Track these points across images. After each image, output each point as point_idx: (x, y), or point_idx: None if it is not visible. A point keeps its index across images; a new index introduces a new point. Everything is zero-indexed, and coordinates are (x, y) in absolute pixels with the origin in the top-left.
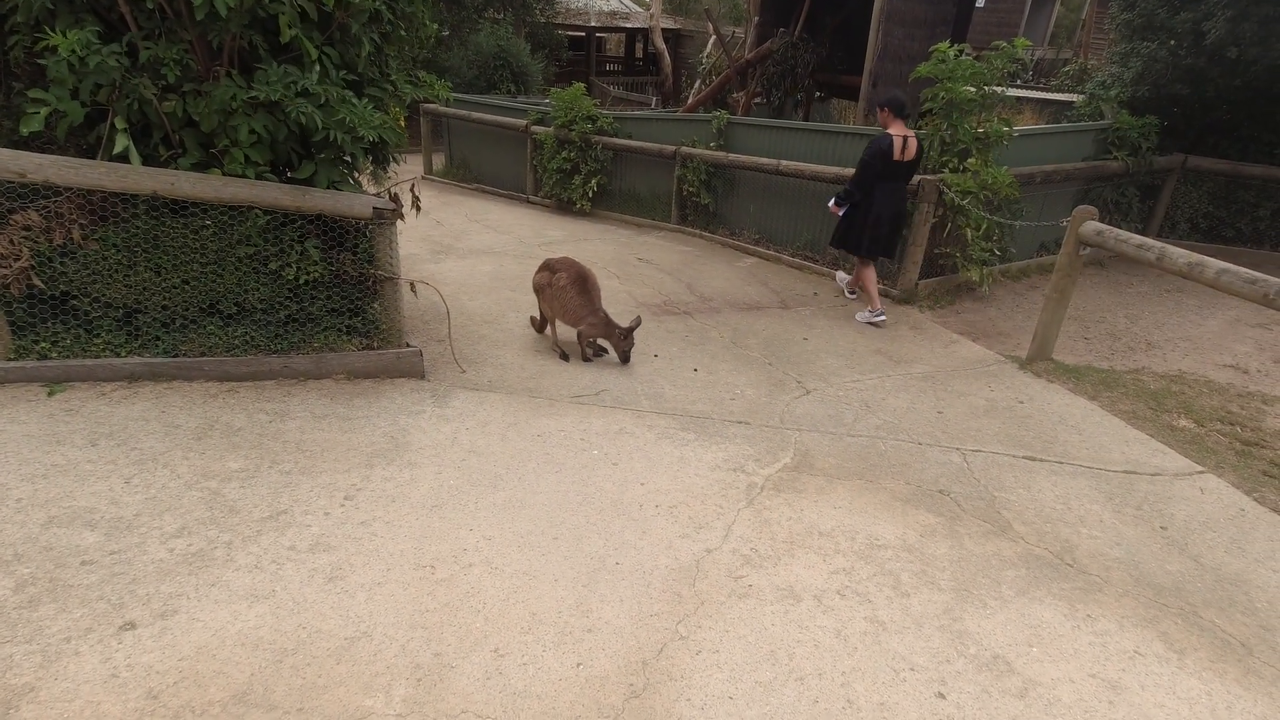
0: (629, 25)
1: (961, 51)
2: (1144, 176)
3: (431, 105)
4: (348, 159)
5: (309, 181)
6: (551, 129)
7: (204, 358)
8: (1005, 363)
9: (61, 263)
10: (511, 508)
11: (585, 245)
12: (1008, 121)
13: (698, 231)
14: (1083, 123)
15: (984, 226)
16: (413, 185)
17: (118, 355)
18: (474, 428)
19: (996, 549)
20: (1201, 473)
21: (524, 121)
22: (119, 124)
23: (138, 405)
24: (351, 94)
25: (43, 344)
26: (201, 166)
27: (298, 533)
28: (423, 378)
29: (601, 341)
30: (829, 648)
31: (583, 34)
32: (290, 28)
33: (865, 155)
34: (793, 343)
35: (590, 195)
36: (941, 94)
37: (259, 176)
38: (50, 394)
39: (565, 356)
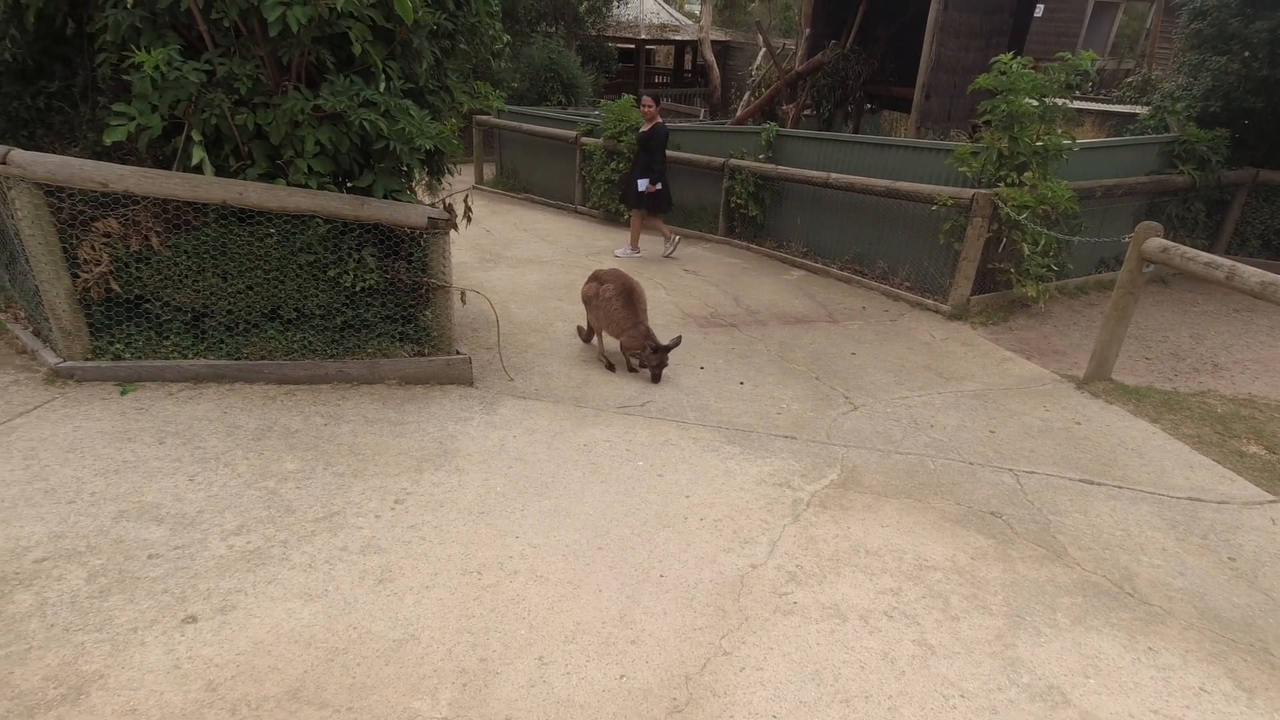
0: (678, 38)
1: (1027, 63)
2: (1212, 191)
3: (484, 116)
4: (405, 169)
5: (368, 191)
6: (600, 140)
7: (264, 361)
8: (1061, 382)
9: (137, 268)
10: (557, 516)
11: (631, 255)
12: (1069, 135)
13: (744, 244)
14: (1147, 135)
15: (1042, 242)
16: (465, 196)
17: (184, 357)
18: (521, 435)
19: (1051, 574)
20: (1273, 502)
21: (573, 132)
22: (195, 136)
23: (202, 405)
24: (411, 104)
25: (117, 345)
26: (268, 177)
27: (350, 534)
28: (471, 385)
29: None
30: (875, 670)
31: (632, 46)
32: (359, 42)
33: (659, 142)
34: (840, 357)
35: None
36: (1002, 106)
37: (321, 187)
38: (123, 393)
39: (611, 367)
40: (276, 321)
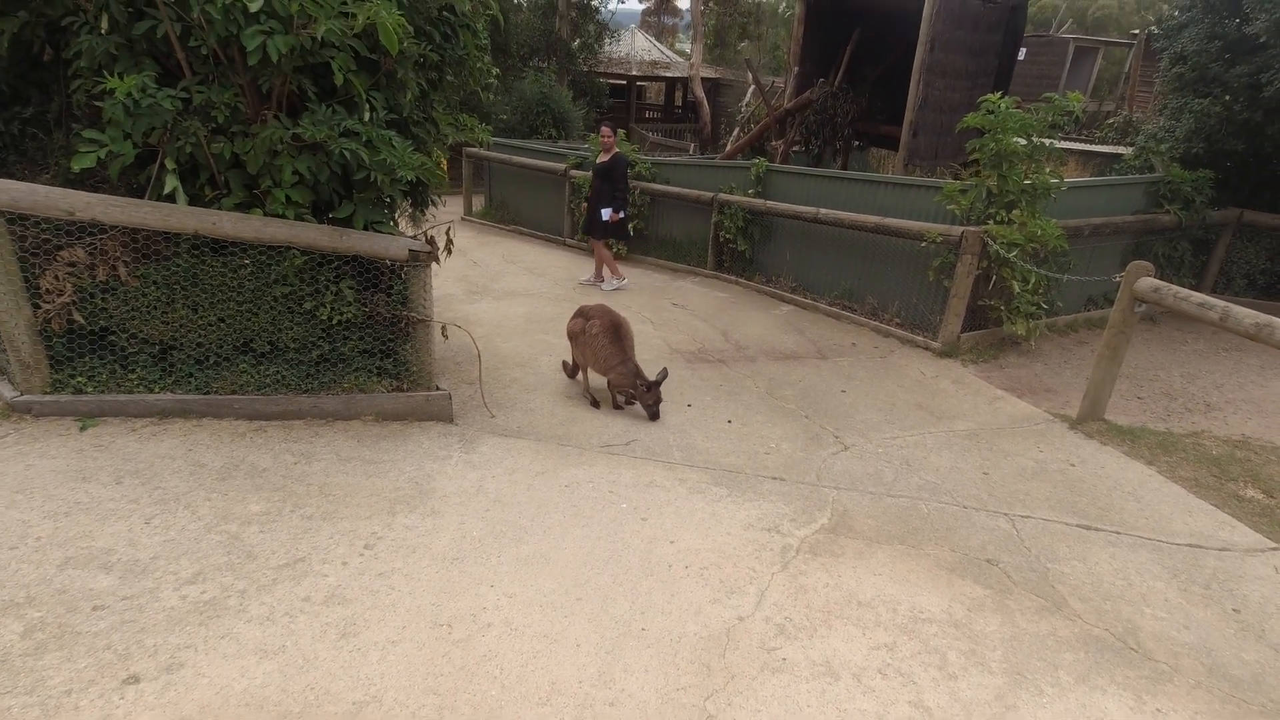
0: (669, 74)
1: (1013, 103)
2: (1197, 231)
3: (473, 149)
4: (388, 200)
5: (347, 222)
6: (589, 173)
7: (235, 395)
8: (1054, 421)
9: (102, 299)
10: (535, 563)
11: (620, 289)
12: (1057, 173)
13: (733, 278)
14: (1133, 175)
15: (1032, 280)
16: (448, 229)
17: (150, 391)
18: (500, 476)
19: (1052, 627)
20: (1274, 549)
21: (563, 165)
22: (169, 164)
23: (166, 442)
24: (394, 134)
25: (79, 378)
26: (244, 207)
27: (314, 583)
28: (451, 421)
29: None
30: None
31: (624, 82)
32: (342, 72)
33: (622, 170)
34: (830, 395)
35: (627, 239)
36: (990, 144)
37: (299, 217)
38: (83, 429)
39: (596, 404)
40: (249, 355)
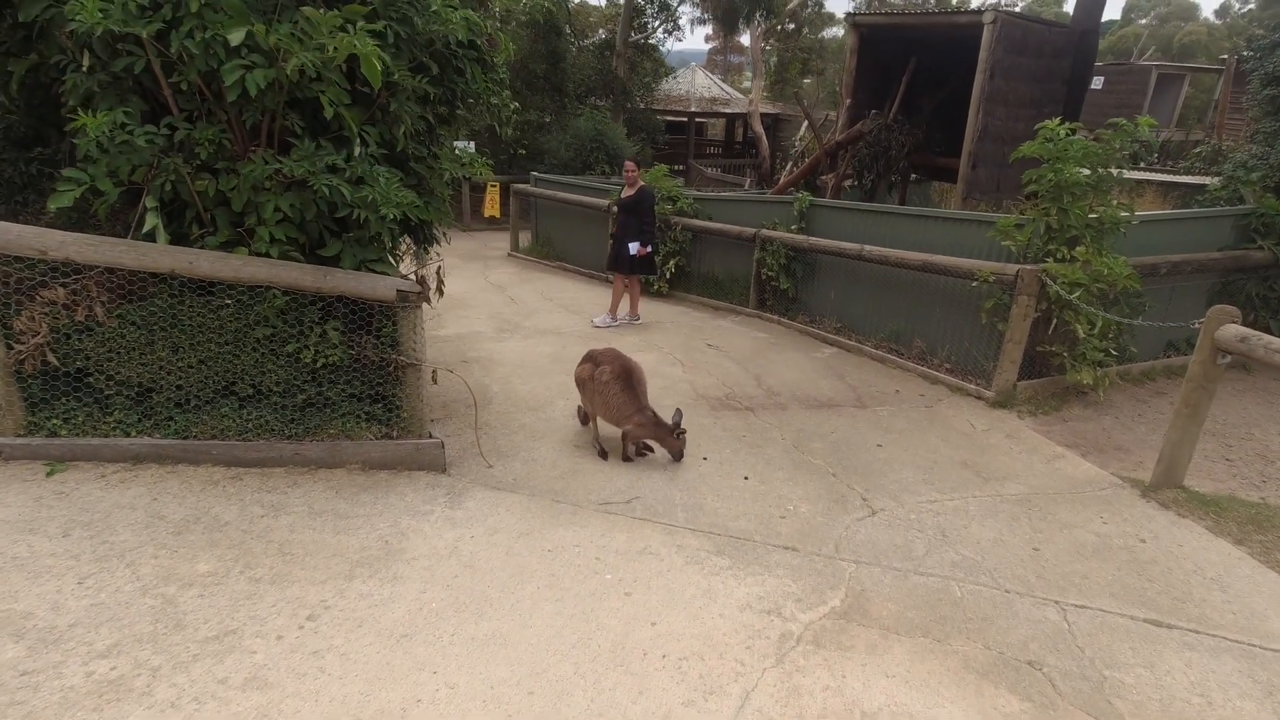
0: (728, 110)
1: (1074, 130)
2: None
3: (521, 185)
4: (380, 238)
5: (334, 260)
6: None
7: (213, 441)
8: (1123, 487)
9: (79, 339)
10: (492, 645)
11: (655, 328)
12: (1127, 206)
13: (775, 317)
14: (1219, 207)
15: (1099, 323)
16: (438, 269)
17: (127, 435)
18: (480, 536)
19: None
20: None
21: (607, 201)
22: (149, 202)
23: (131, 490)
24: (384, 169)
25: (55, 420)
26: (229, 245)
27: (237, 661)
28: (444, 471)
29: (648, 441)
30: None
31: (684, 119)
32: (332, 106)
33: (649, 203)
34: (864, 449)
35: (668, 276)
36: (1049, 175)
37: (285, 256)
38: (50, 474)
39: (604, 454)
40: (232, 398)
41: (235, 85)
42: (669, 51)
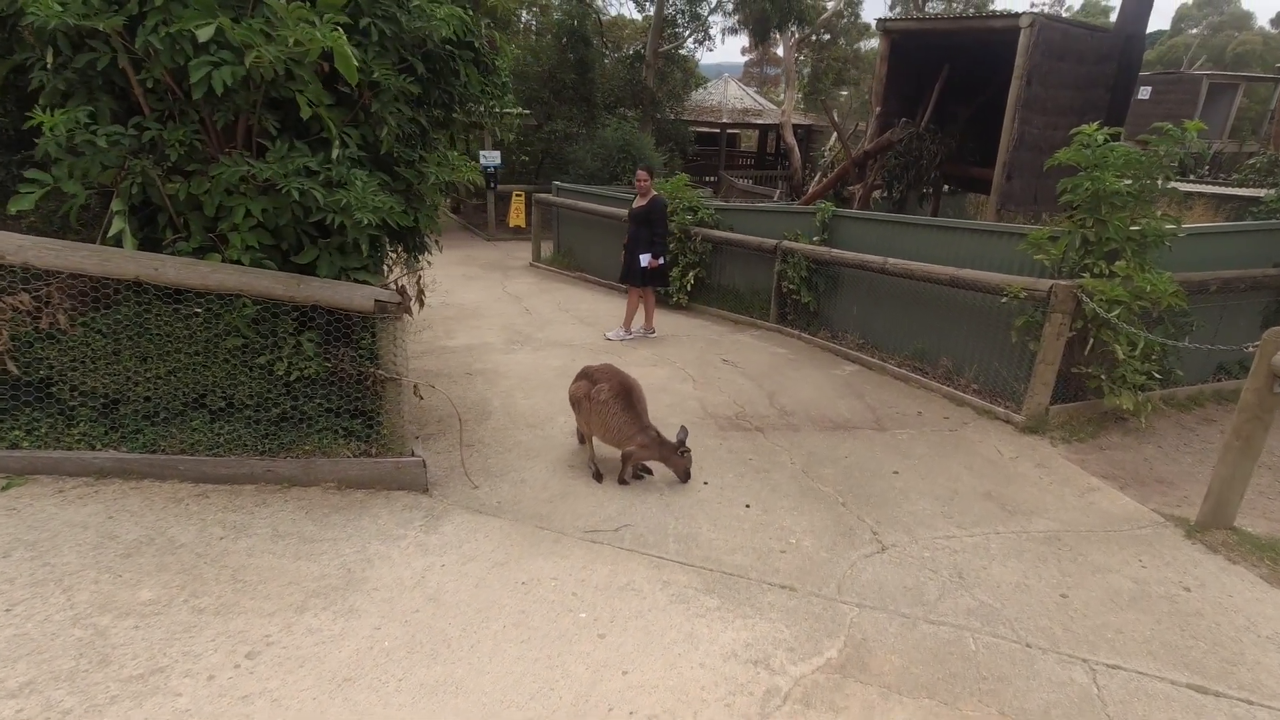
0: (761, 121)
1: (1115, 136)
2: None
3: (544, 195)
4: (372, 245)
5: (310, 268)
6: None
7: (181, 456)
8: (1165, 526)
9: (42, 347)
10: (441, 693)
11: (670, 341)
12: (1174, 218)
13: (796, 332)
14: (1276, 220)
15: (1140, 344)
16: (418, 277)
17: (92, 448)
18: (452, 565)
19: None
20: None
21: (626, 210)
22: (116, 205)
23: (88, 508)
24: (363, 173)
25: (16, 432)
26: (201, 251)
27: (158, 706)
28: (425, 491)
29: (650, 462)
30: None
31: (716, 130)
32: (310, 106)
33: (661, 213)
34: (878, 476)
35: (688, 288)
36: (1085, 184)
37: (257, 263)
38: (5, 488)
39: (599, 476)
40: (203, 411)
41: (201, 82)
42: (699, 62)
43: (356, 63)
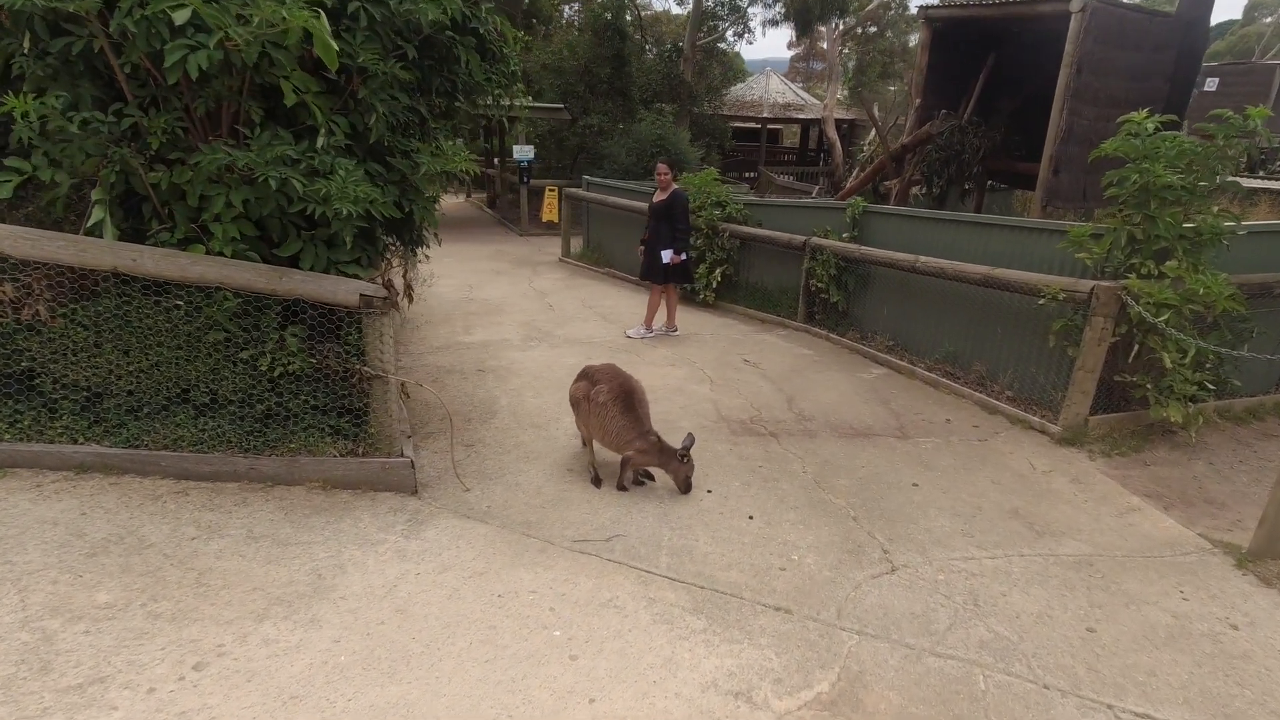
0: (802, 116)
1: (1169, 125)
2: None
3: (574, 190)
4: (345, 237)
5: (293, 261)
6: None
7: (163, 452)
8: (1212, 553)
9: (24, 338)
10: (391, 716)
11: (692, 340)
12: (1232, 215)
13: (824, 333)
14: None
15: (1191, 352)
16: (404, 272)
17: (74, 441)
18: (427, 574)
19: None
20: None
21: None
22: (96, 195)
23: (61, 504)
24: (348, 162)
25: None
26: (185, 243)
27: (89, 719)
28: (413, 493)
29: (651, 469)
30: None
31: (757, 125)
32: (294, 93)
33: (682, 208)
34: (896, 488)
35: (714, 286)
36: (1133, 176)
37: (239, 255)
38: None
39: (598, 481)
40: (187, 406)
41: (176, 66)
42: (743, 58)
43: (336, 47)
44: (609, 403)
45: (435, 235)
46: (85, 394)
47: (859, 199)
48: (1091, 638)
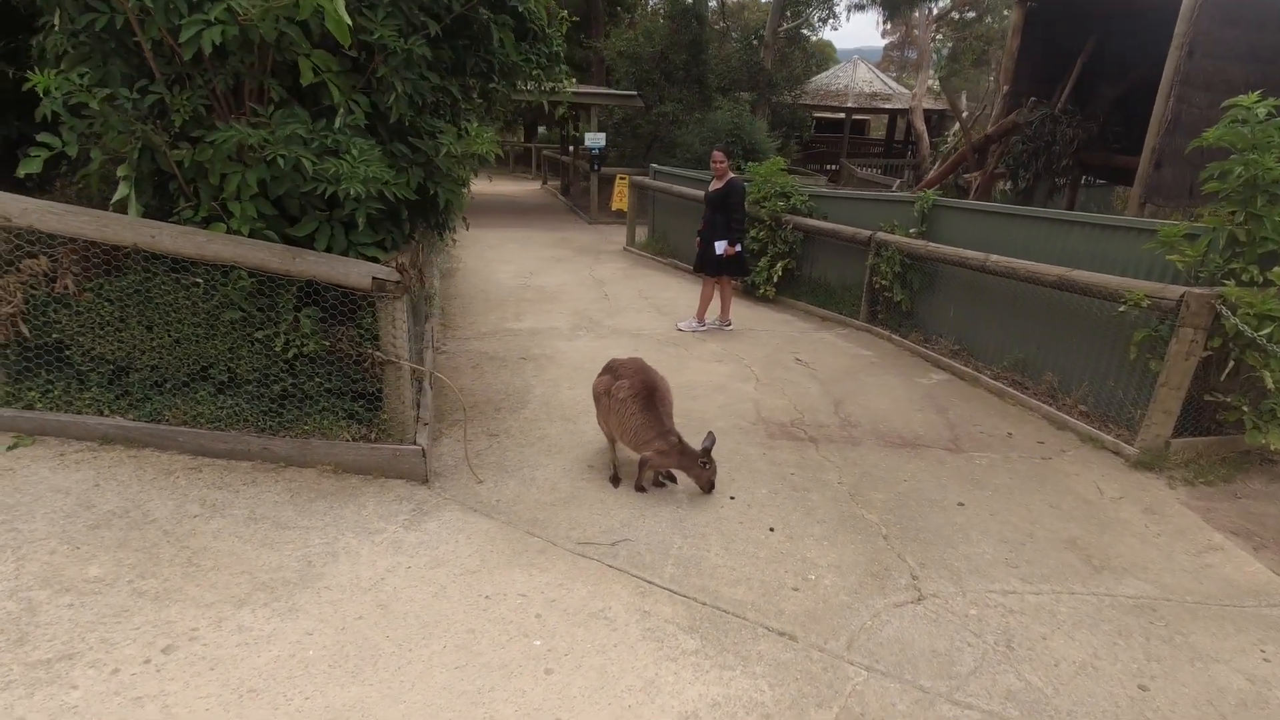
0: (888, 106)
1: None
2: None
3: (640, 178)
4: (358, 218)
5: (308, 241)
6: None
7: (182, 428)
8: None
9: (55, 311)
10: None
11: (745, 336)
12: None
13: (886, 333)
14: None
15: None
16: (410, 254)
17: (100, 413)
18: (418, 569)
19: None
20: None
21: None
22: (122, 171)
23: (78, 474)
24: (363, 141)
25: (32, 393)
26: (212, 220)
27: (47, 698)
28: (424, 482)
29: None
30: None
31: (841, 115)
32: (314, 73)
33: (738, 198)
34: (938, 507)
35: (775, 280)
36: (1237, 169)
37: (256, 234)
38: (11, 448)
39: (617, 480)
40: (208, 383)
41: (191, 42)
42: (823, 41)
43: (349, 21)
44: (629, 399)
45: (464, 220)
46: (112, 367)
47: (930, 192)
48: (1143, 698)
